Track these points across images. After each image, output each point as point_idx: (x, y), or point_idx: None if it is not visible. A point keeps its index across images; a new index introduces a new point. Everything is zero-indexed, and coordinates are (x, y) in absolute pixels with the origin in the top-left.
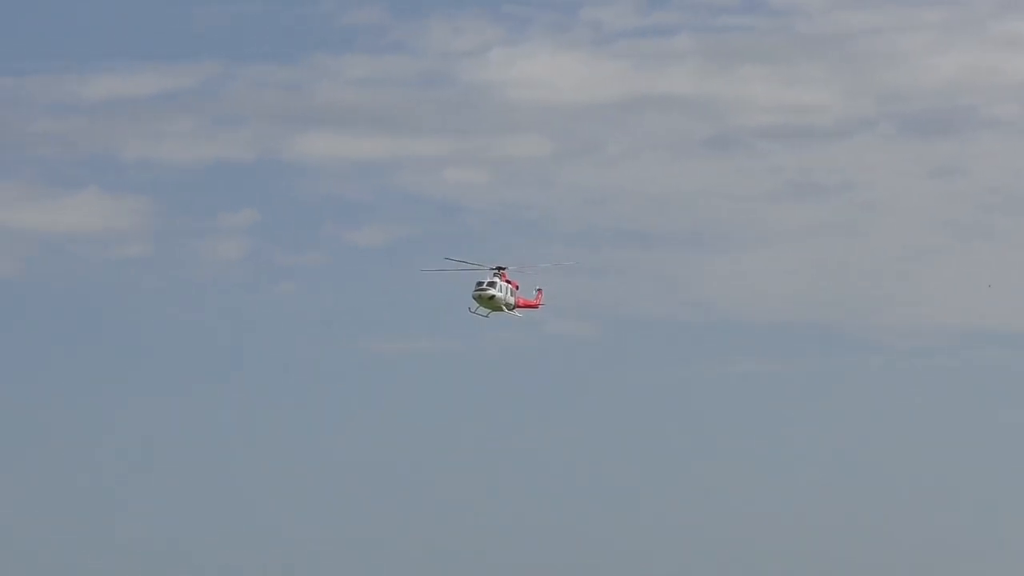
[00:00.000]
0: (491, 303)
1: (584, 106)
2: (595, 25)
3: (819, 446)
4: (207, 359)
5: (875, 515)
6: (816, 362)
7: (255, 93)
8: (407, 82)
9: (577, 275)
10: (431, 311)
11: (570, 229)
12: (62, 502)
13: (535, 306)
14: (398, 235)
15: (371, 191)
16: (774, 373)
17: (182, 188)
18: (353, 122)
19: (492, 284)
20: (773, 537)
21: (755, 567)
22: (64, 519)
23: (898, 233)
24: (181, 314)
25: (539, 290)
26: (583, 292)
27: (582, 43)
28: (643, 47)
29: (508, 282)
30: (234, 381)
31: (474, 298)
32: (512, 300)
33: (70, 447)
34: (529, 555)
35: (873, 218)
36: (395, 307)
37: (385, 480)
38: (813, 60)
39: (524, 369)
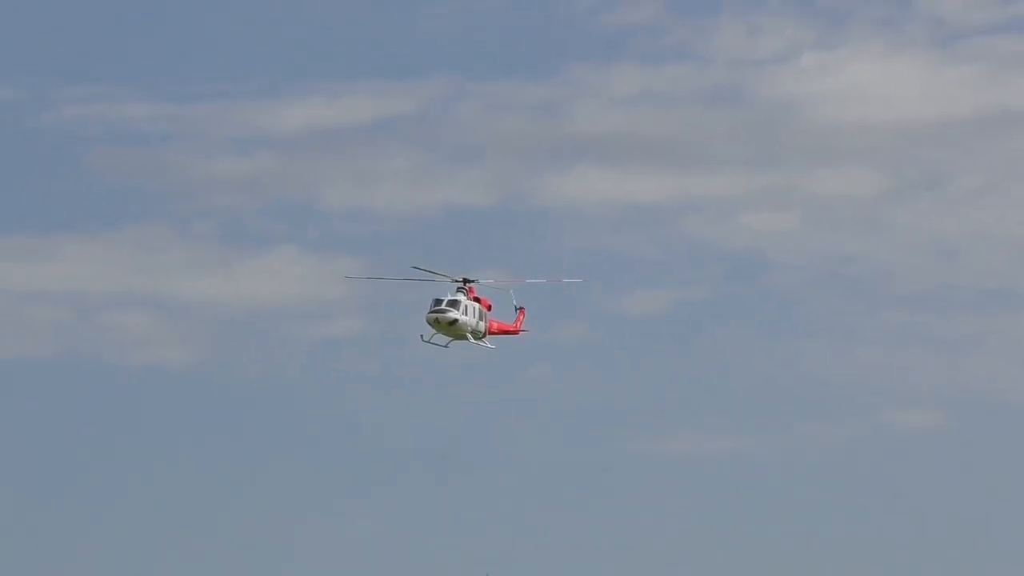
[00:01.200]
0: (452, 329)
1: (925, 126)
2: (936, 20)
3: None
4: (437, 464)
5: None
6: None
7: (495, 119)
8: (690, 100)
9: (916, 347)
10: (729, 399)
11: (909, 288)
12: None
13: (514, 332)
14: (682, 299)
15: (646, 243)
16: None
17: (402, 244)
18: (621, 154)
19: (454, 304)
20: None
21: None
22: None
23: None
24: (403, 407)
25: (520, 309)
26: (926, 369)
27: (920, 43)
28: (1002, 47)
29: (476, 300)
30: (473, 492)
31: (429, 322)
32: (482, 325)
33: (269, 565)
34: None
35: None
36: (682, 395)
37: None
38: None
39: (848, 473)
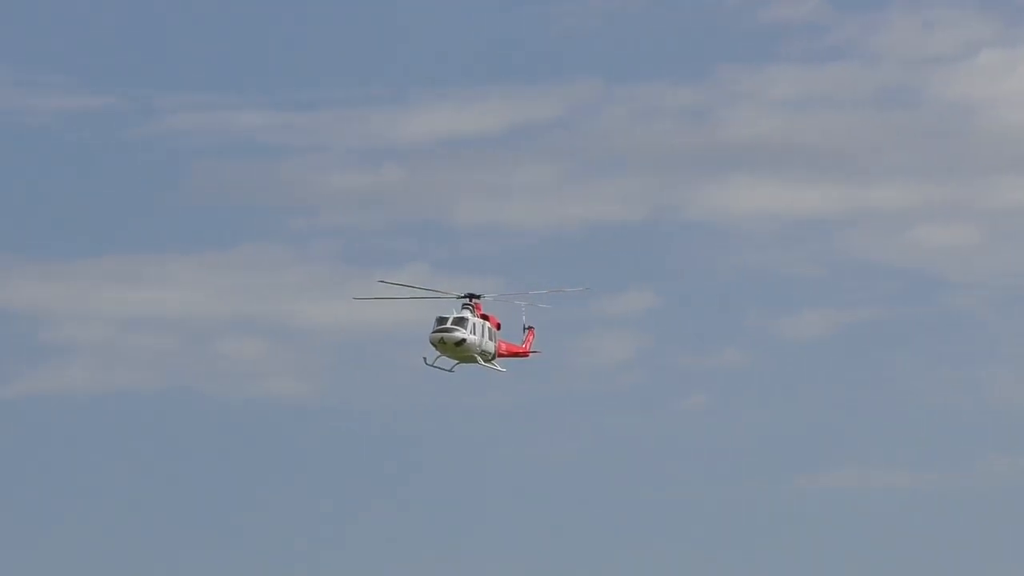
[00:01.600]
0: (459, 350)
1: None
2: None
3: None
4: (581, 506)
5: None
6: None
7: (640, 125)
8: (856, 103)
9: None
10: (902, 430)
11: None
12: None
13: (524, 354)
14: (849, 321)
15: (808, 260)
16: None
17: (541, 263)
18: (780, 162)
19: (460, 322)
20: None
21: None
22: None
23: None
24: (547, 441)
25: (530, 329)
26: None
27: None
28: None
29: (484, 318)
30: (623, 532)
31: (433, 343)
32: (490, 346)
33: None
34: None
35: None
36: (849, 425)
37: None
38: None
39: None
